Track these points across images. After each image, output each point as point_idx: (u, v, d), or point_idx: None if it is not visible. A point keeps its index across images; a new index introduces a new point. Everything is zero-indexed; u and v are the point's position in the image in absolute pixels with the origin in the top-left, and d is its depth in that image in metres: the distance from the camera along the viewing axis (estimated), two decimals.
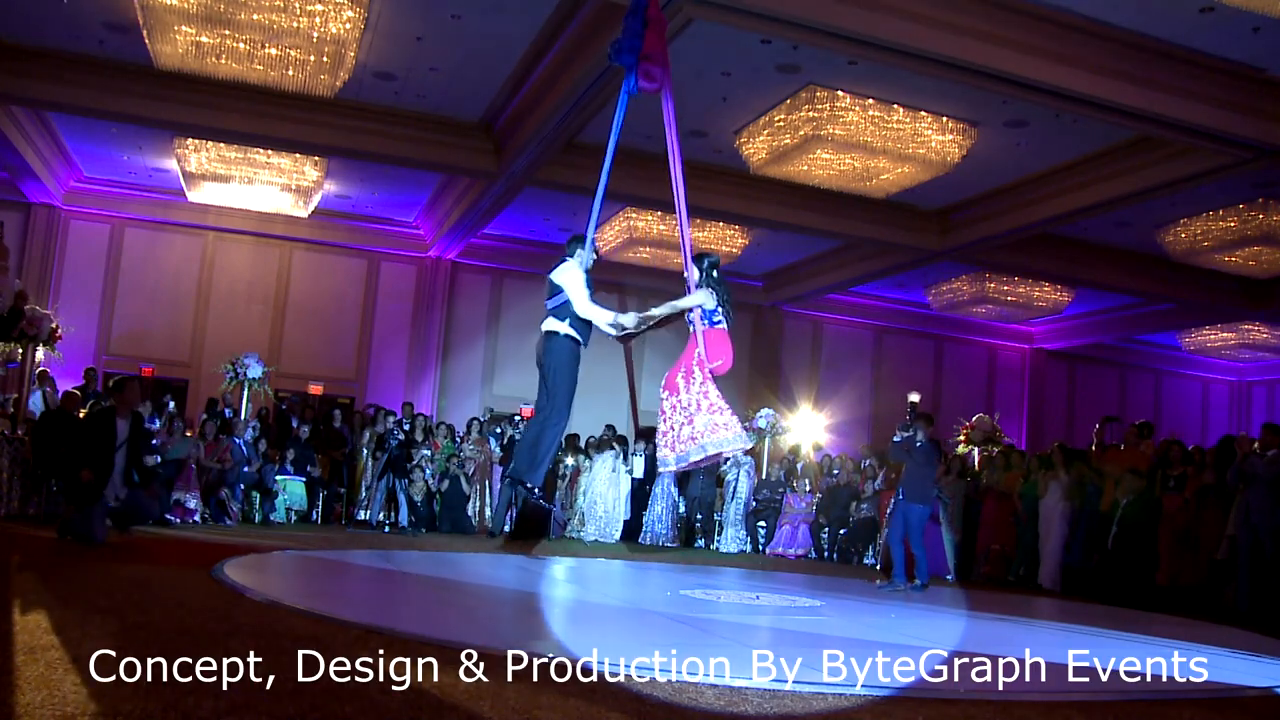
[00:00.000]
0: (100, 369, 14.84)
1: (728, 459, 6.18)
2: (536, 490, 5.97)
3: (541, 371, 5.84)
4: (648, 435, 14.98)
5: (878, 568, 10.71)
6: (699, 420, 5.54)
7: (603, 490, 13.38)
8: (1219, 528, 9.26)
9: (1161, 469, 10.13)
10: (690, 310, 5.86)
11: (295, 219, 15.72)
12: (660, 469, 5.87)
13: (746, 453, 14.15)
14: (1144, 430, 11.16)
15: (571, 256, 5.89)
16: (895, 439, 9.93)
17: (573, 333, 5.81)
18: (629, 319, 5.92)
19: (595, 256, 6.05)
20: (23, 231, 15.28)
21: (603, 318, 5.86)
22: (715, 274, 6.01)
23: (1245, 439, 9.51)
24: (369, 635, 4.47)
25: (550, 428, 5.87)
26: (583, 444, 13.85)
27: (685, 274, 6.02)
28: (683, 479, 13.90)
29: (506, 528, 12.69)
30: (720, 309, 5.94)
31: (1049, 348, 21.26)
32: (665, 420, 5.61)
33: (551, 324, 5.83)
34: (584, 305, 5.79)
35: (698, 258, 6.01)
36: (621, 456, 13.75)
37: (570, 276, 5.82)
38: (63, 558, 6.84)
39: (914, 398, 11.27)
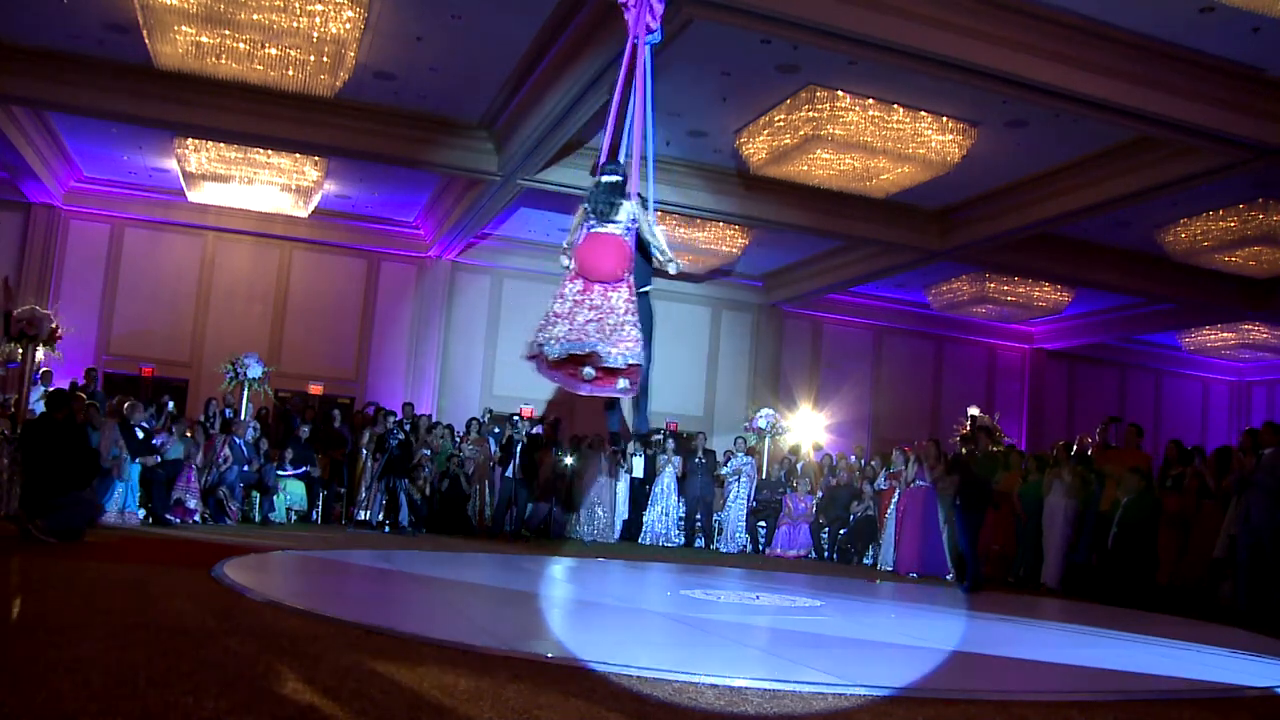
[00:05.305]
0: (100, 369, 14.85)
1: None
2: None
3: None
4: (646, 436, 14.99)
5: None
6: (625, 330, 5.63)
7: (600, 490, 13.38)
8: (1218, 526, 9.27)
9: (1164, 469, 10.16)
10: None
11: (295, 219, 15.71)
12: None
13: (746, 453, 14.18)
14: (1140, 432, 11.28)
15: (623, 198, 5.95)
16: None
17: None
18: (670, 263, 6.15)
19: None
20: (23, 231, 15.28)
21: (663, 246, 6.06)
22: (601, 180, 6.02)
23: (1246, 438, 9.52)
24: (369, 635, 4.47)
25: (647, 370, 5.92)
26: (577, 444, 13.85)
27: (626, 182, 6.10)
28: (683, 480, 13.90)
29: (508, 528, 12.72)
30: (589, 215, 5.94)
31: (1049, 348, 21.26)
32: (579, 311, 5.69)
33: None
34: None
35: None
36: (621, 456, 13.76)
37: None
38: (62, 558, 6.83)
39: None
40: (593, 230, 5.84)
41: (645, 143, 6.19)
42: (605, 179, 5.94)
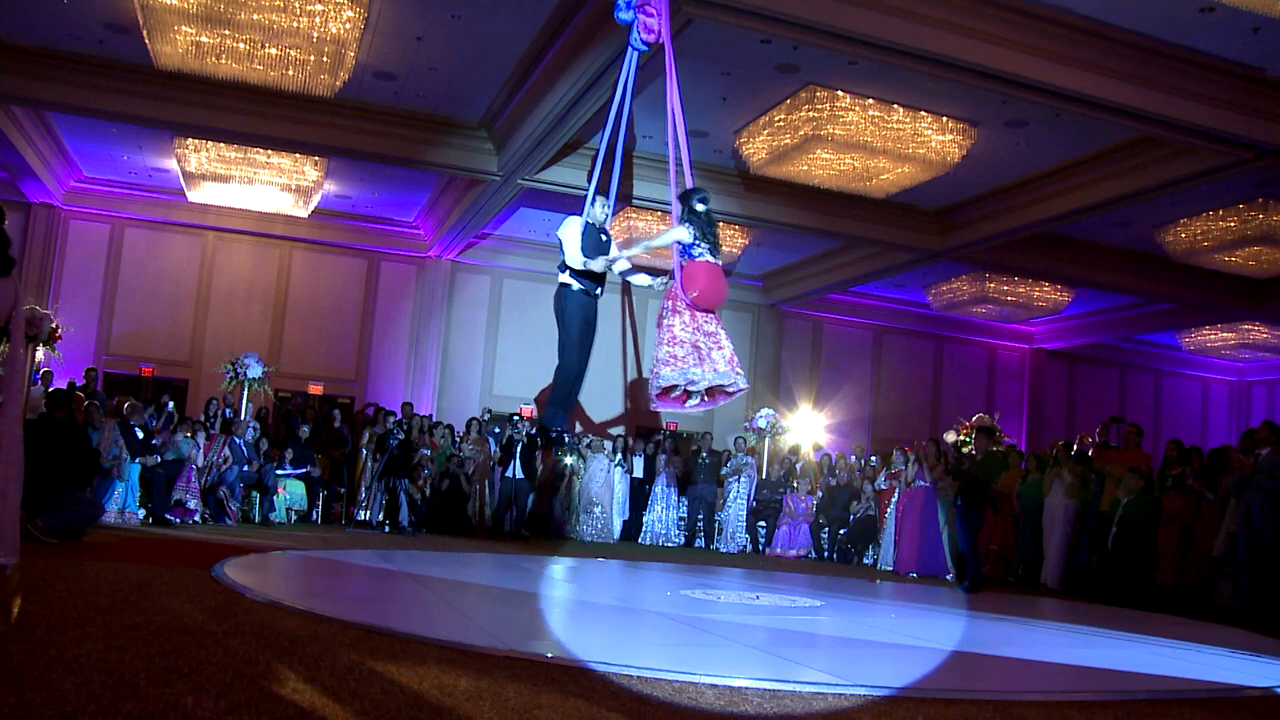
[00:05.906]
0: (100, 369, 14.85)
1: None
2: (551, 431, 6.54)
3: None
4: (646, 435, 14.98)
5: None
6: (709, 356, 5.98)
7: (599, 490, 13.38)
8: (1218, 526, 9.27)
9: (1164, 469, 10.17)
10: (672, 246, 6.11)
11: (295, 219, 15.72)
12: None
13: (747, 453, 14.18)
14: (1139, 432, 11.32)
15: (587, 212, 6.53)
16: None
17: (570, 281, 6.41)
18: (597, 262, 6.30)
19: (605, 212, 6.57)
20: (23, 231, 15.28)
21: (576, 260, 6.37)
22: (699, 208, 6.14)
23: (1246, 439, 9.52)
24: (369, 635, 4.47)
25: (560, 370, 6.34)
26: (579, 444, 13.84)
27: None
28: (683, 480, 13.90)
29: (507, 528, 12.71)
30: (698, 242, 6.02)
31: (1049, 348, 21.26)
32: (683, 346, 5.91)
33: (560, 278, 6.43)
34: (570, 255, 6.37)
35: (684, 195, 6.23)
36: (620, 456, 13.76)
37: (566, 231, 6.47)
38: (62, 558, 6.83)
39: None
40: (700, 259, 5.96)
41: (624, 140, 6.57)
42: (704, 206, 6.08)
